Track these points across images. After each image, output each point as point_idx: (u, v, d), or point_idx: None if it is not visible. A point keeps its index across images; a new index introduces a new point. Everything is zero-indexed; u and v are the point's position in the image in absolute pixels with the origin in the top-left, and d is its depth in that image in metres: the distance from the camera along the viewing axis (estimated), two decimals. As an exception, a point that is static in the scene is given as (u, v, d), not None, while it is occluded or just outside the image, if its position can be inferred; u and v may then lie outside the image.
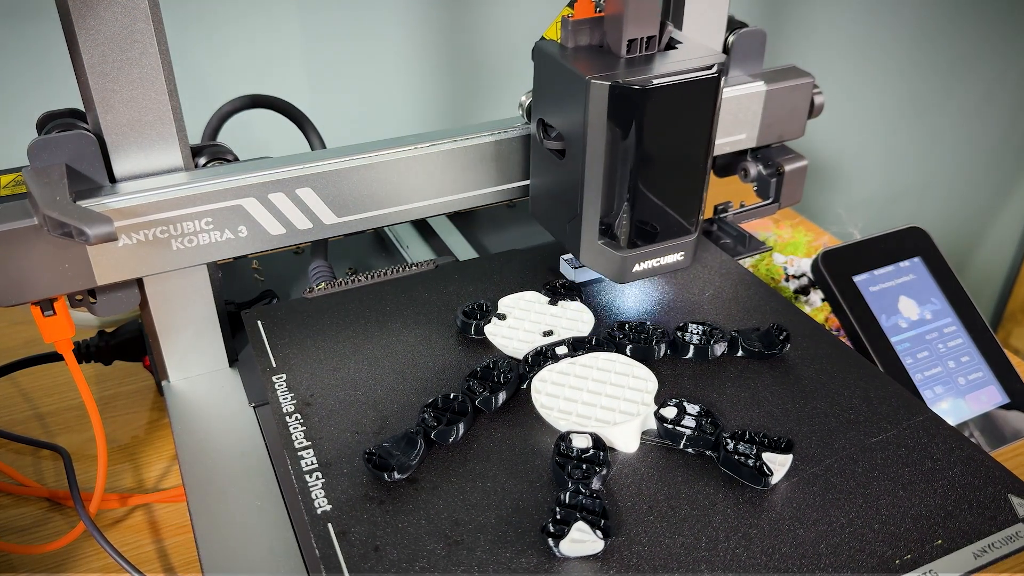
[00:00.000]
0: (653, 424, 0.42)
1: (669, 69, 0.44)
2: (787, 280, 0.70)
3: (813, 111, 0.62)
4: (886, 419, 0.43)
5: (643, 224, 0.47)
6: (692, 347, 0.47)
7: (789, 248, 0.75)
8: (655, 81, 0.43)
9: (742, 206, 0.65)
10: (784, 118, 0.61)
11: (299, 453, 0.41)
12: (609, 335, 0.47)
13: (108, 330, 0.58)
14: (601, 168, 0.45)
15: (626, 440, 0.42)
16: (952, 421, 0.52)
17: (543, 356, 0.46)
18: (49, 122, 0.45)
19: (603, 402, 0.43)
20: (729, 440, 0.40)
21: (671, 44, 0.47)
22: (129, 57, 0.43)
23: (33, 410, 0.60)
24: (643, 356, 0.46)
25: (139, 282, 0.47)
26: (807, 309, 0.68)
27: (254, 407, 0.49)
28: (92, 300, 0.46)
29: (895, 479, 0.40)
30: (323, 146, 0.70)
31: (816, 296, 0.68)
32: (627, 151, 0.44)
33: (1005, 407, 0.54)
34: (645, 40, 0.45)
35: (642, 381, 0.44)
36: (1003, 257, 1.52)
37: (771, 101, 0.59)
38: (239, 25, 0.82)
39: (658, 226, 0.47)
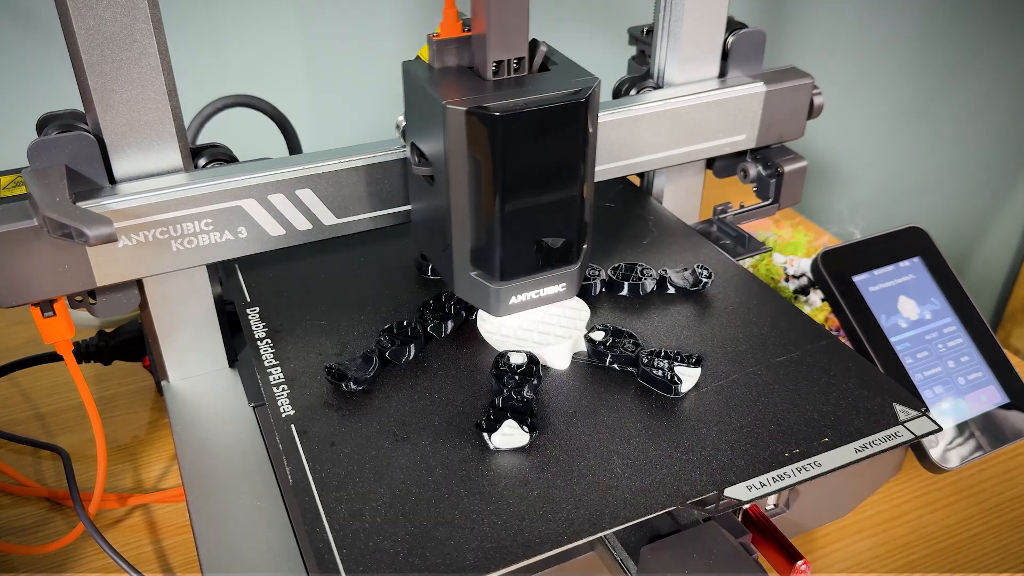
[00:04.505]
0: (584, 347, 0.48)
1: (533, 94, 0.41)
2: (787, 280, 0.70)
3: (813, 112, 0.62)
4: (792, 343, 0.49)
5: (518, 254, 0.45)
6: (625, 284, 0.52)
7: (789, 248, 0.75)
8: (514, 107, 0.41)
9: (742, 207, 0.65)
10: (784, 119, 0.61)
11: (268, 370, 0.46)
12: None
13: (108, 330, 0.58)
14: (466, 196, 0.43)
15: (558, 359, 0.47)
16: (952, 421, 0.52)
17: None
18: (49, 123, 0.45)
19: (541, 328, 0.48)
20: (647, 357, 0.46)
21: (545, 66, 0.44)
22: (129, 57, 0.43)
23: (33, 410, 0.60)
24: (581, 293, 0.50)
25: (139, 283, 0.47)
26: (807, 309, 0.68)
27: (254, 407, 0.49)
28: (92, 301, 0.46)
29: (793, 390, 0.45)
30: (299, 147, 0.71)
31: (816, 296, 0.68)
32: (494, 178, 0.42)
33: (1005, 407, 0.54)
34: (514, 62, 0.43)
35: (576, 311, 0.50)
36: (1003, 257, 1.52)
37: (771, 102, 0.59)
38: (239, 25, 0.82)
39: (536, 256, 0.45)
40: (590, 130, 0.43)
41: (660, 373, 0.45)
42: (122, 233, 0.44)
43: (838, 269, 0.56)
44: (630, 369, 0.46)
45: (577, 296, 0.50)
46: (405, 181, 0.50)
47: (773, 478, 0.40)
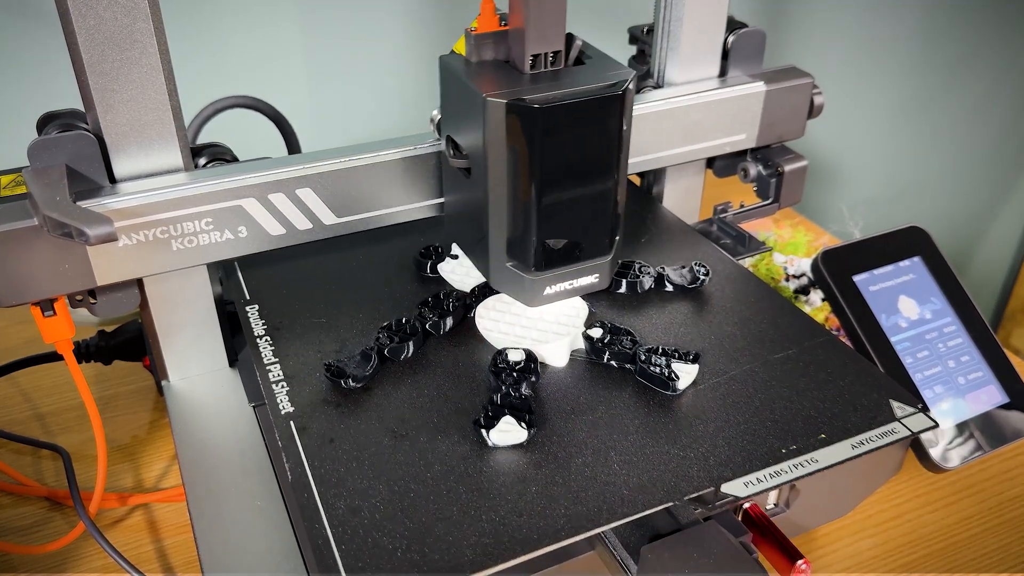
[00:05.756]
0: (583, 345, 0.48)
1: (570, 87, 0.42)
2: (787, 280, 0.70)
3: (813, 111, 0.62)
4: (789, 340, 0.49)
5: (553, 245, 0.45)
6: (623, 281, 0.52)
7: (789, 248, 0.75)
8: (553, 99, 0.41)
9: (742, 206, 0.65)
10: (784, 118, 0.61)
11: (267, 367, 0.46)
12: None
13: (108, 330, 0.58)
14: (504, 188, 0.43)
15: (556, 356, 0.47)
16: (952, 421, 0.52)
17: (489, 288, 0.50)
18: (49, 123, 0.45)
19: (539, 325, 0.49)
20: (644, 354, 0.46)
21: (580, 59, 0.45)
22: (129, 57, 0.43)
23: (33, 410, 0.60)
24: None
25: (139, 282, 0.47)
26: (807, 309, 0.68)
27: (254, 407, 0.49)
28: (92, 300, 0.46)
29: (791, 387, 0.45)
30: (299, 148, 0.71)
31: (816, 296, 0.68)
32: (531, 170, 0.43)
33: (1005, 407, 0.54)
34: (551, 55, 0.44)
35: (575, 308, 0.50)
36: (1003, 257, 1.52)
37: (771, 101, 0.59)
38: (239, 25, 0.82)
39: (570, 247, 0.46)
40: (625, 123, 0.44)
41: (658, 370, 0.45)
42: (122, 232, 0.44)
43: (838, 269, 0.56)
44: (628, 366, 0.47)
45: None
46: (407, 179, 0.51)
47: (770, 474, 0.40)
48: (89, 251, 0.43)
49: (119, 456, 0.56)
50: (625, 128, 0.44)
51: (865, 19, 1.15)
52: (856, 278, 0.56)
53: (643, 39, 0.65)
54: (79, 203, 0.42)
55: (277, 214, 0.48)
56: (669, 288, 0.53)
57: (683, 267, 0.53)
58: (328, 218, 0.49)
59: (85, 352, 0.57)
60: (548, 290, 0.47)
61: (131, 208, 0.44)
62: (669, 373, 0.45)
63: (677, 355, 0.46)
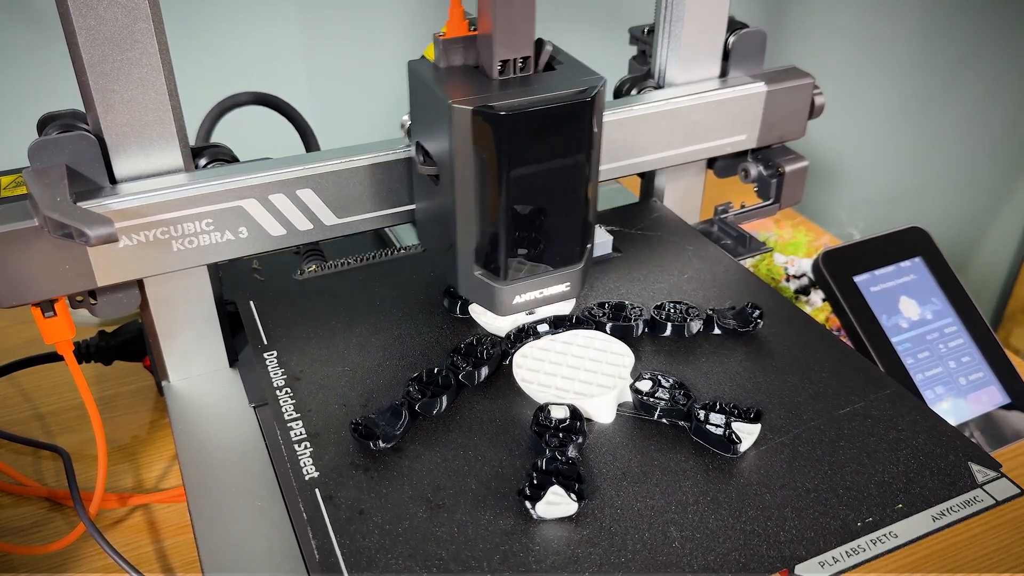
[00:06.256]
0: (629, 397, 0.44)
1: (539, 93, 0.41)
2: (788, 280, 0.70)
3: (813, 112, 0.62)
4: (854, 392, 0.45)
5: (523, 254, 0.44)
6: (669, 325, 0.48)
7: (790, 248, 0.75)
8: (520, 106, 0.40)
9: (743, 207, 0.65)
10: (785, 119, 0.61)
11: (288, 424, 0.43)
12: (589, 313, 0.49)
13: (108, 330, 0.58)
14: (472, 195, 0.42)
15: (602, 411, 0.43)
16: (953, 421, 0.52)
17: (525, 333, 0.48)
18: (49, 123, 0.45)
19: (581, 376, 0.45)
20: (700, 411, 0.42)
21: (551, 65, 0.44)
22: (129, 57, 0.43)
23: (33, 410, 0.60)
24: (622, 334, 0.48)
25: (139, 283, 0.47)
26: (807, 309, 0.68)
27: (254, 407, 0.49)
28: (93, 301, 0.46)
29: (860, 448, 0.41)
30: (317, 145, 0.70)
31: (817, 296, 0.68)
32: (499, 178, 0.41)
33: (1006, 407, 0.54)
34: (520, 61, 0.43)
35: (619, 356, 0.46)
36: (1003, 257, 1.52)
37: (772, 102, 0.59)
38: (239, 25, 0.82)
39: (540, 256, 0.45)
40: (595, 130, 0.43)
41: (718, 430, 0.41)
42: (123, 233, 0.44)
43: (839, 269, 0.56)
44: (681, 423, 0.43)
45: (620, 340, 0.48)
46: (409, 181, 0.50)
47: (846, 552, 0.37)
48: (89, 252, 0.43)
49: (119, 456, 0.56)
50: (596, 134, 0.43)
51: (865, 19, 1.15)
52: (857, 279, 0.56)
53: (643, 39, 0.65)
54: (79, 204, 0.42)
55: (278, 215, 0.48)
56: (718, 331, 0.49)
57: (732, 307, 0.50)
58: (329, 219, 0.49)
59: (85, 352, 0.57)
60: (518, 299, 0.45)
61: (131, 209, 0.44)
62: (730, 434, 0.41)
63: (736, 412, 0.42)
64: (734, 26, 0.60)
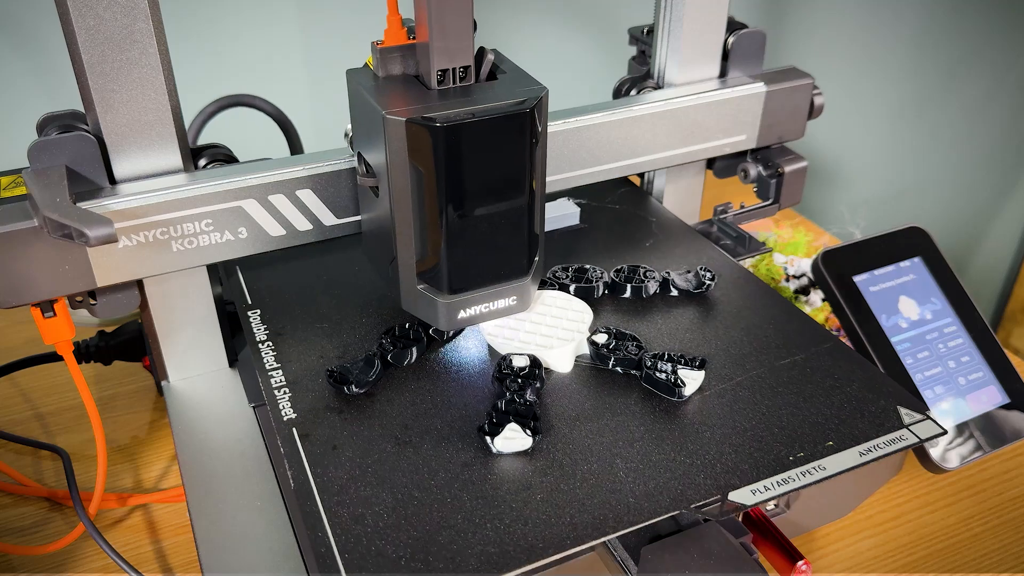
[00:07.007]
0: (587, 350, 0.48)
1: (478, 103, 0.41)
2: (787, 280, 0.70)
3: (813, 112, 0.62)
4: (797, 346, 0.48)
5: (466, 268, 0.44)
6: (628, 286, 0.52)
7: (789, 248, 0.75)
8: (457, 117, 0.40)
9: (742, 207, 0.65)
10: (784, 119, 0.61)
11: (269, 373, 0.46)
12: (553, 276, 0.53)
13: (108, 330, 0.58)
14: (409, 208, 0.42)
15: (561, 361, 0.47)
16: (952, 421, 0.52)
17: None
18: (49, 124, 0.45)
19: (543, 331, 0.48)
20: (650, 359, 0.46)
21: (493, 74, 0.44)
22: (129, 57, 0.43)
23: (33, 410, 0.60)
24: (584, 295, 0.52)
25: (139, 283, 0.47)
26: (807, 309, 0.68)
27: (254, 407, 0.49)
28: (92, 301, 0.46)
29: (797, 393, 0.45)
30: (301, 147, 0.71)
31: (816, 296, 0.68)
32: (437, 190, 0.41)
33: (1005, 407, 0.54)
34: (460, 70, 0.42)
35: (579, 313, 0.50)
36: (1003, 257, 1.52)
37: (771, 102, 0.59)
38: (239, 25, 0.82)
39: (485, 269, 0.44)
40: (537, 140, 0.42)
41: (663, 376, 0.45)
42: (122, 233, 0.44)
43: (839, 269, 0.56)
44: (633, 372, 0.46)
45: (580, 299, 0.51)
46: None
47: (777, 482, 0.40)
48: (89, 252, 0.43)
49: (119, 456, 0.56)
50: (538, 144, 0.43)
51: (865, 19, 1.15)
52: (856, 278, 0.56)
53: (643, 40, 0.65)
54: (79, 204, 0.42)
55: (277, 215, 0.48)
56: (674, 293, 0.53)
57: (688, 272, 0.53)
58: (328, 219, 0.49)
59: (85, 352, 0.57)
60: (462, 314, 0.45)
61: (131, 209, 0.44)
62: (675, 379, 0.44)
63: (683, 361, 0.46)
64: (734, 26, 0.60)
